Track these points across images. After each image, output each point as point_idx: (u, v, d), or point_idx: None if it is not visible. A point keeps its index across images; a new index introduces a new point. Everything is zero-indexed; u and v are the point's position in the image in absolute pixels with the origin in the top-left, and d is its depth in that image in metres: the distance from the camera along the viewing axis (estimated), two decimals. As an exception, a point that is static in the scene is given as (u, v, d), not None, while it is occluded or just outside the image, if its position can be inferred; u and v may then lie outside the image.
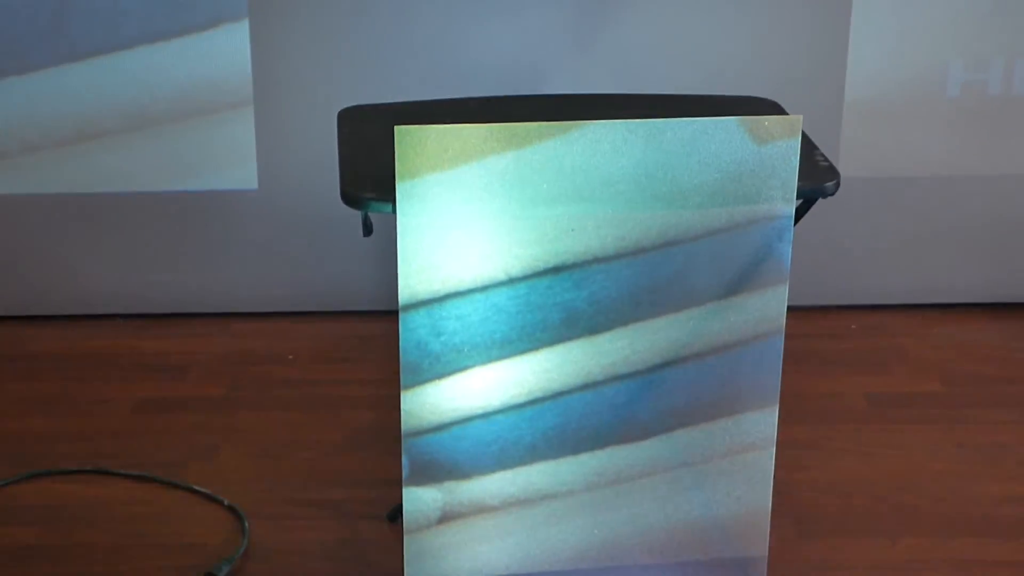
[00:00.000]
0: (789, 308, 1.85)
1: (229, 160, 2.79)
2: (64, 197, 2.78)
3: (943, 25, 2.73)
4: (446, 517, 1.88)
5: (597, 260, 1.79)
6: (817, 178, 1.91)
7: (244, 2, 2.67)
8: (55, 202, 2.79)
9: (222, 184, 2.80)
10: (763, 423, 1.90)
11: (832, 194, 1.93)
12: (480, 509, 1.88)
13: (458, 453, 1.86)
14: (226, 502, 2.31)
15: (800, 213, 1.87)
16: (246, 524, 2.25)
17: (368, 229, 1.91)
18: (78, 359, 2.73)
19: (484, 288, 1.79)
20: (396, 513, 2.12)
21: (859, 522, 2.29)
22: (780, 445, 1.92)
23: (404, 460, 1.85)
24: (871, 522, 2.29)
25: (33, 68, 2.72)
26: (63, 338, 2.80)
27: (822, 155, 1.98)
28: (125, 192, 2.78)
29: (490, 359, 1.82)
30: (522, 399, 1.85)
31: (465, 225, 1.75)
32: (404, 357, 1.80)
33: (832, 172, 1.94)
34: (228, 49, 2.71)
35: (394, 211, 1.74)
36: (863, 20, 2.72)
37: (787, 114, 1.80)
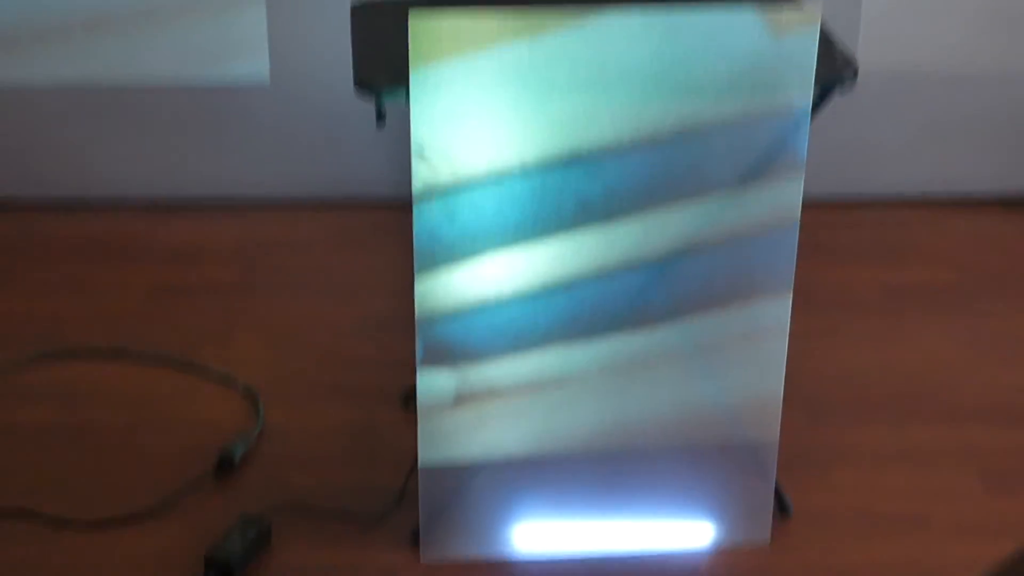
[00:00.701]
0: (804, 199, 1.86)
1: (241, 53, 2.77)
2: (78, 88, 2.78)
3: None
4: (460, 400, 1.90)
5: (612, 150, 1.80)
6: (835, 69, 1.90)
7: None
8: (71, 94, 2.78)
9: (236, 78, 2.79)
10: (776, 311, 1.91)
11: (850, 86, 1.92)
12: (493, 392, 1.90)
13: (472, 338, 1.87)
14: (241, 384, 2.34)
15: (817, 105, 1.87)
16: (261, 406, 2.29)
17: (381, 117, 1.91)
18: (94, 245, 2.75)
19: (498, 177, 1.79)
20: (410, 396, 2.15)
21: (869, 410, 2.31)
22: (793, 335, 1.94)
23: (418, 343, 1.86)
24: (881, 410, 2.31)
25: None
26: (79, 225, 2.81)
27: (841, 46, 1.97)
28: (140, 85, 2.78)
29: (504, 247, 1.83)
30: (536, 286, 1.86)
31: (479, 114, 1.75)
32: (418, 244, 1.81)
33: (850, 63, 1.93)
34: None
35: (407, 100, 1.74)
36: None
37: (805, 6, 1.78)
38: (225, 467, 2.16)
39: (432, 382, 1.90)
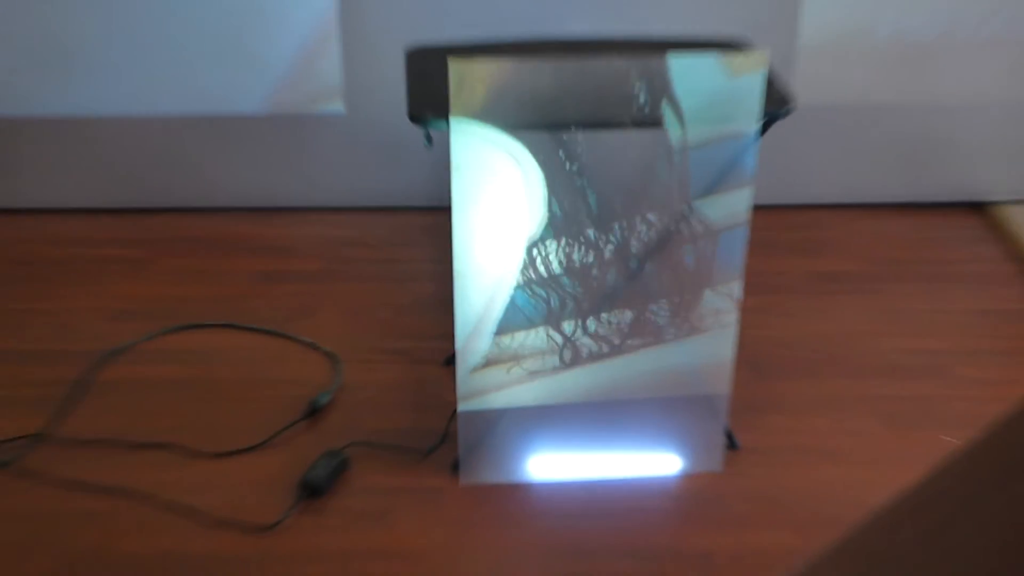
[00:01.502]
0: (753, 206, 1.87)
1: (324, 89, 2.77)
2: (200, 118, 2.78)
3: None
4: (488, 363, 1.92)
5: (603, 165, 1.78)
6: (776, 103, 1.88)
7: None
8: (196, 122, 2.79)
9: (319, 109, 2.79)
10: (730, 292, 1.90)
11: (787, 116, 1.90)
12: (514, 357, 1.91)
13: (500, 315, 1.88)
14: (324, 349, 2.35)
15: (762, 131, 1.85)
16: (339, 366, 2.29)
17: (429, 140, 1.90)
18: (210, 242, 2.78)
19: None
20: (451, 359, 2.14)
21: (799, 368, 2.33)
22: (742, 310, 1.96)
23: (457, 319, 1.88)
24: (807, 368, 2.33)
25: None
26: (199, 226, 2.83)
27: (781, 84, 1.95)
28: (246, 114, 2.78)
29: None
30: (545, 274, 1.85)
31: (501, 137, 1.75)
32: (456, 242, 1.82)
33: (788, 99, 1.91)
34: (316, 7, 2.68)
35: (449, 127, 1.74)
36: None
37: (755, 51, 1.76)
38: (313, 412, 2.18)
39: (468, 349, 1.90)
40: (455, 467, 2.01)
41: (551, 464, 2.02)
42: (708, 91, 1.74)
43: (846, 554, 0.51)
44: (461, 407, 1.95)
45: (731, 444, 2.07)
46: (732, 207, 1.85)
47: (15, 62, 2.73)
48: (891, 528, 0.49)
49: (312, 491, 1.96)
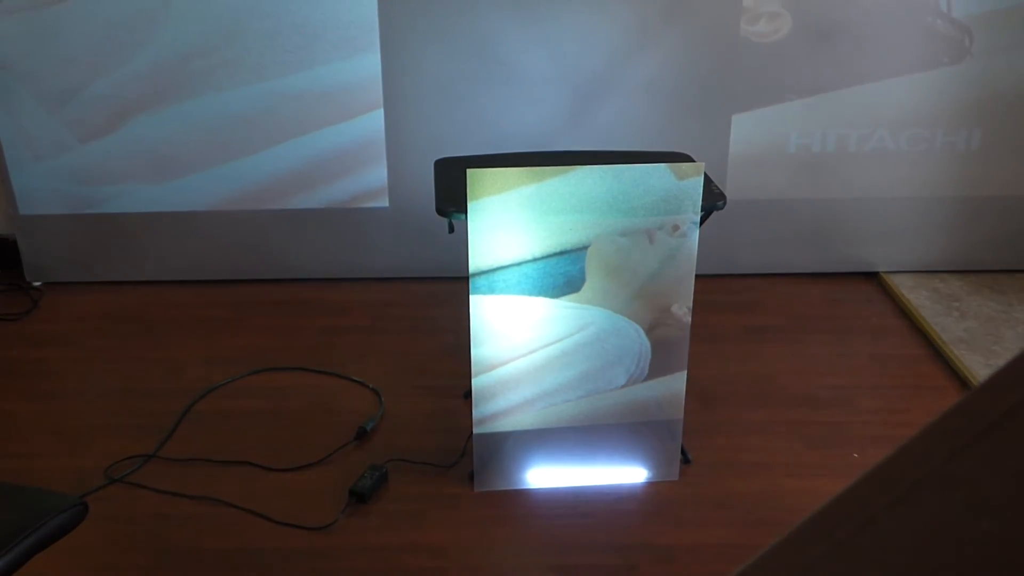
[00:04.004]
0: (697, 275, 1.83)
1: (371, 190, 2.76)
2: (279, 212, 2.77)
3: (784, 115, 2.67)
4: (497, 395, 1.86)
5: (584, 247, 1.76)
6: (713, 198, 1.86)
7: (380, 96, 2.64)
8: (275, 215, 2.78)
9: (367, 204, 2.78)
10: (681, 342, 1.86)
11: (722, 209, 1.87)
12: (516, 392, 1.86)
13: (505, 363, 1.82)
14: (371, 386, 2.30)
15: (703, 219, 1.82)
16: (382, 399, 2.24)
17: (451, 229, 1.88)
18: (284, 305, 2.74)
19: (518, 264, 1.77)
20: (468, 393, 2.10)
21: (737, 399, 2.26)
22: (691, 355, 1.91)
23: (473, 363, 1.83)
24: (744, 400, 2.26)
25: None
26: (275, 293, 2.80)
27: (716, 186, 1.93)
28: (311, 207, 2.77)
29: (519, 303, 1.79)
30: (540, 326, 1.82)
31: (507, 227, 1.73)
32: (472, 304, 1.79)
33: (722, 195, 1.89)
34: (368, 129, 2.68)
35: (467, 219, 1.71)
36: (740, 115, 2.67)
37: (695, 162, 1.75)
38: (361, 435, 2.13)
39: (480, 386, 1.84)
40: (471, 478, 1.96)
41: (546, 475, 1.96)
42: (661, 190, 1.73)
43: (770, 564, 0.47)
44: (476, 430, 1.89)
45: (685, 459, 2.02)
46: (680, 275, 1.83)
47: (138, 171, 2.73)
48: (804, 544, 0.45)
49: (359, 498, 1.90)
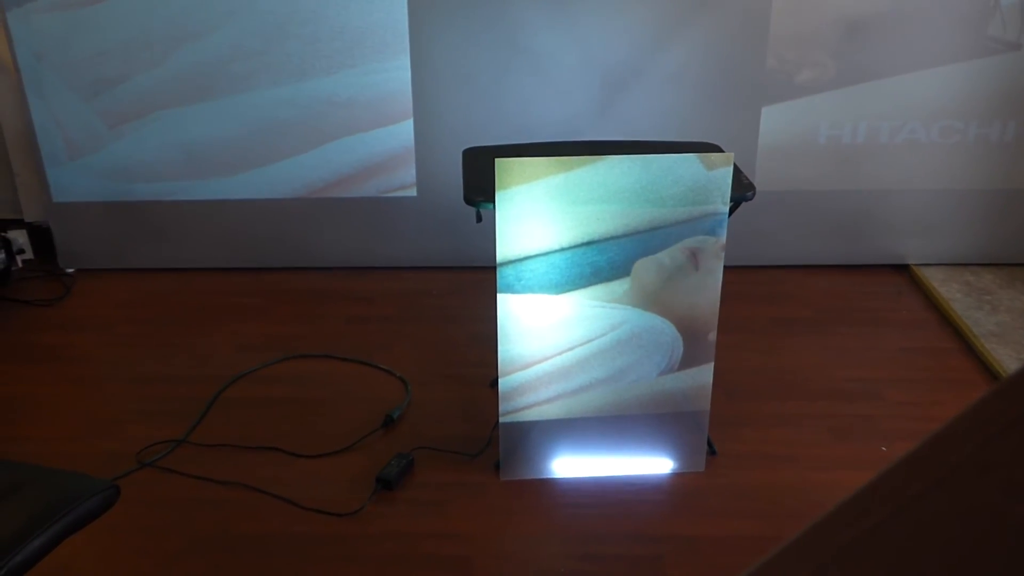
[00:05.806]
0: (725, 266, 1.81)
1: (400, 180, 2.77)
2: (307, 199, 2.78)
3: (815, 106, 2.64)
4: (523, 386, 1.86)
5: (612, 237, 1.76)
6: (741, 189, 1.84)
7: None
8: (306, 202, 2.79)
9: (396, 193, 2.79)
10: (708, 334, 1.85)
11: (751, 200, 1.86)
12: (542, 382, 1.86)
13: (532, 349, 1.82)
14: (398, 374, 2.30)
15: (732, 210, 1.81)
16: (409, 387, 2.24)
17: (479, 218, 1.88)
18: (312, 294, 2.75)
19: (546, 253, 1.76)
20: (495, 382, 2.10)
21: (763, 392, 2.25)
22: (718, 347, 1.90)
23: (500, 352, 1.83)
24: (770, 392, 2.25)
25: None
26: (304, 281, 2.82)
27: (745, 177, 1.91)
28: (342, 196, 2.77)
29: (547, 294, 1.80)
30: (572, 325, 1.81)
31: (535, 216, 1.72)
32: (500, 293, 1.78)
33: (751, 186, 1.87)
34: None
35: (495, 208, 1.71)
36: (770, 106, 2.64)
37: (724, 153, 1.74)
38: (388, 423, 2.13)
39: (508, 384, 1.84)
40: (497, 466, 1.96)
41: (571, 464, 1.96)
42: (691, 180, 1.71)
43: (796, 550, 0.47)
44: (502, 420, 1.89)
45: (711, 451, 2.00)
46: (709, 267, 1.81)
47: (170, 167, 2.76)
48: (837, 528, 0.45)
49: (386, 485, 1.91)
